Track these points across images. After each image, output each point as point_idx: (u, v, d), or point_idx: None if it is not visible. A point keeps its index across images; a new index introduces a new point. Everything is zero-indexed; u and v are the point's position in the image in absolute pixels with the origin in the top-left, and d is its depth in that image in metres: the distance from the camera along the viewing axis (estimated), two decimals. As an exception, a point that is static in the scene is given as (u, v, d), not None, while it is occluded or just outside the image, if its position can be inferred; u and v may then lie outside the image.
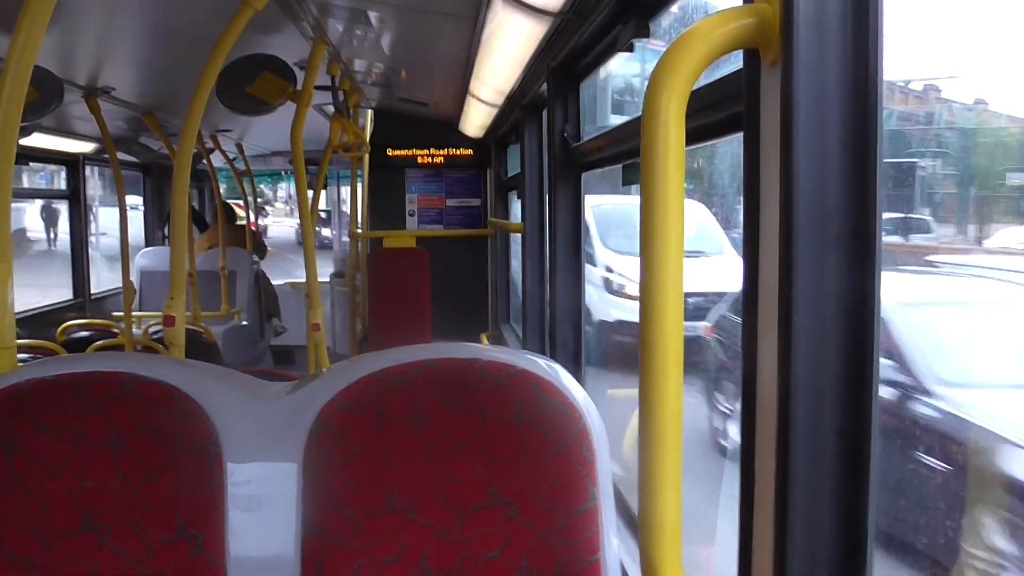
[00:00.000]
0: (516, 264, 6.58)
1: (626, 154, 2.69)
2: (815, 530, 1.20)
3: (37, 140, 5.78)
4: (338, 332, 7.74)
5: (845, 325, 1.16)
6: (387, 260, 6.90)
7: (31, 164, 7.09)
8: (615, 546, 1.75)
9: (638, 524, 1.24)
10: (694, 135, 1.32)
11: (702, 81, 1.19)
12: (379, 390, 1.73)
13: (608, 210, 9.11)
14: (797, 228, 1.14)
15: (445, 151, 7.44)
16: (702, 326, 6.26)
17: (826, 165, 1.14)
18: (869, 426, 1.17)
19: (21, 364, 2.01)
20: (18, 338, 2.15)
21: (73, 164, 7.10)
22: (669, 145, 1.13)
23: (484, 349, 1.79)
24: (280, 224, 29.32)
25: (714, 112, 1.61)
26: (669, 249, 1.14)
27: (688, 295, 1.18)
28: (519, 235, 4.94)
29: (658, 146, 1.14)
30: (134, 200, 8.32)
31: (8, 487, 1.69)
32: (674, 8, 2.31)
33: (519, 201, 5.38)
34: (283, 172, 11.05)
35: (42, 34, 1.91)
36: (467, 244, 7.40)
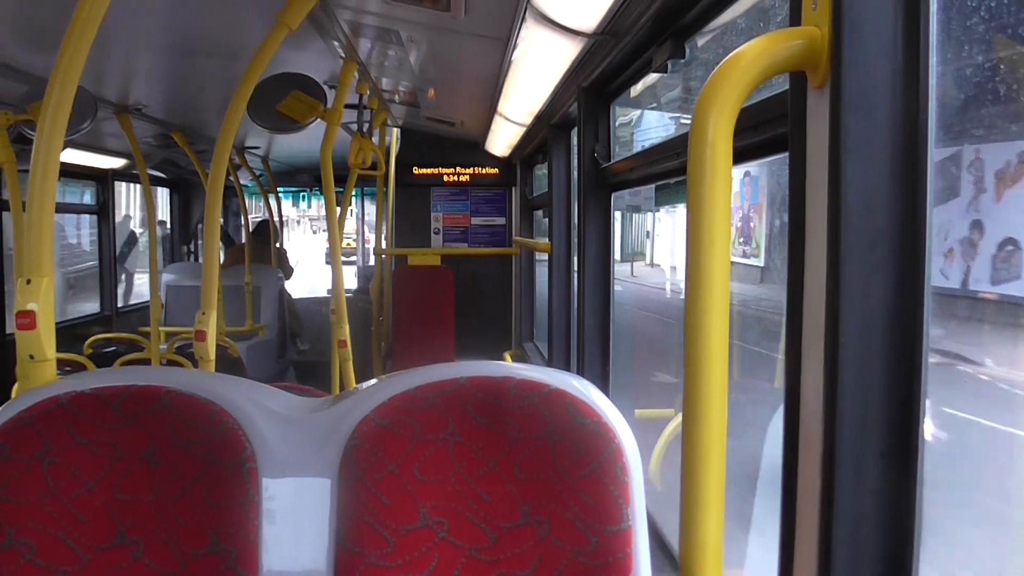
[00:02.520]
0: (541, 283, 6.57)
1: (659, 175, 2.69)
2: (859, 555, 1.19)
3: (67, 156, 5.84)
4: (360, 349, 7.75)
5: (892, 347, 1.16)
6: (411, 277, 6.92)
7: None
8: (648, 567, 1.73)
9: (679, 544, 1.24)
10: (738, 155, 1.32)
11: (749, 102, 1.19)
12: (413, 408, 1.72)
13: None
14: (845, 249, 1.14)
15: (471, 170, 7.47)
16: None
17: (875, 187, 1.14)
18: (916, 449, 1.16)
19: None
20: None
21: (102, 179, 7.17)
22: (717, 164, 1.13)
23: (517, 367, 1.79)
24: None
25: (757, 133, 1.61)
26: (715, 269, 1.14)
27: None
28: (544, 254, 4.94)
29: (706, 165, 1.14)
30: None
31: (44, 498, 1.70)
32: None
33: (545, 220, 5.38)
34: (308, 189, 11.10)
35: (86, 53, 1.93)
36: (491, 263, 7.41)
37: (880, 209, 1.14)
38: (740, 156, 1.66)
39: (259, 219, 8.97)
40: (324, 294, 9.27)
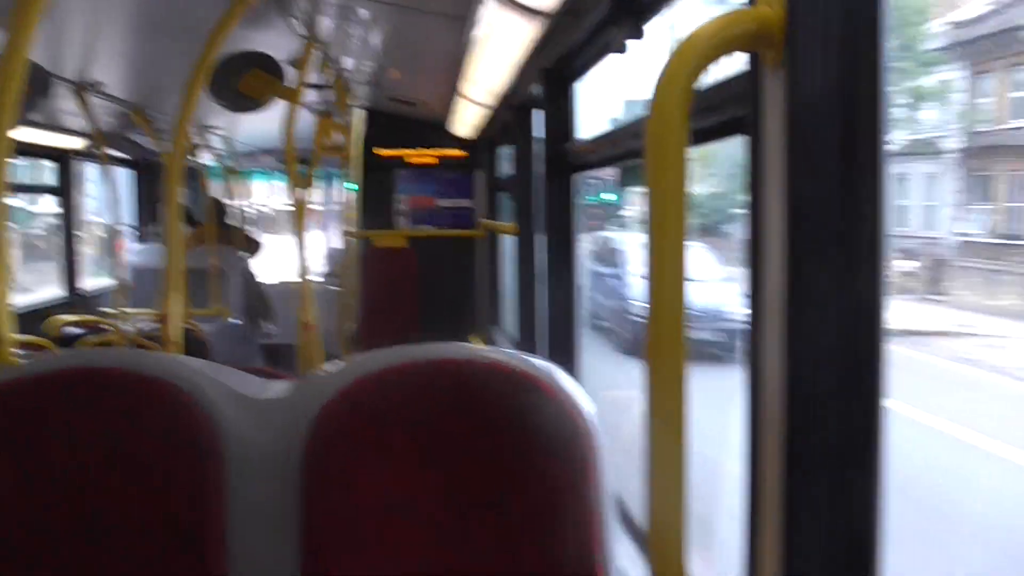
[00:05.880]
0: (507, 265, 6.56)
1: (620, 157, 2.68)
2: (822, 541, 1.19)
3: (25, 135, 5.74)
4: (326, 331, 7.71)
5: (849, 329, 1.15)
6: (377, 259, 6.89)
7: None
8: (615, 548, 1.73)
9: (646, 527, 1.23)
10: (697, 137, 1.31)
11: (707, 83, 1.18)
12: (379, 390, 1.71)
13: None
14: (801, 232, 1.13)
15: (436, 151, 7.43)
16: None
17: (830, 168, 1.13)
18: (877, 435, 1.16)
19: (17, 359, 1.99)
20: None
21: (62, 159, 7.06)
22: (673, 145, 1.12)
23: (483, 350, 1.78)
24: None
25: (715, 114, 1.60)
26: (672, 249, 1.14)
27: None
28: (509, 236, 4.93)
29: (661, 145, 1.13)
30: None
31: (4, 483, 1.67)
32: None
33: (510, 202, 5.37)
34: (272, 170, 10.99)
35: (35, 28, 1.89)
36: (457, 245, 7.39)
37: (836, 190, 1.13)
38: (701, 137, 1.65)
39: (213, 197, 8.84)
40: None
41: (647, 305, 1.17)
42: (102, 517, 1.68)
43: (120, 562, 1.67)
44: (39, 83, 3.97)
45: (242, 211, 9.03)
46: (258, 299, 8.44)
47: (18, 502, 1.67)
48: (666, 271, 1.14)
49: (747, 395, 1.30)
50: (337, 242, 7.90)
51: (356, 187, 7.16)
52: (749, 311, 1.29)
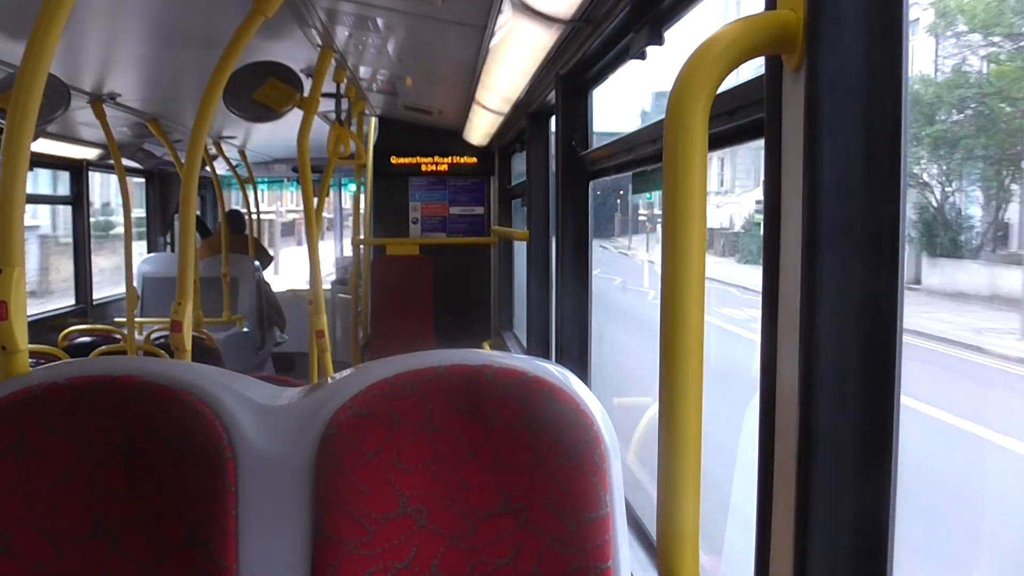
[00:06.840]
0: (520, 272, 6.58)
1: (636, 162, 2.69)
2: (835, 539, 1.19)
3: (41, 146, 5.78)
4: (339, 339, 7.74)
5: (868, 331, 1.16)
6: (390, 267, 6.91)
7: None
8: (626, 554, 1.74)
9: (656, 531, 1.24)
10: (715, 141, 1.32)
11: (721, 86, 1.19)
12: (391, 396, 1.72)
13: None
14: (820, 234, 1.14)
15: (449, 159, 7.45)
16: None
17: (850, 172, 1.13)
18: (892, 433, 1.17)
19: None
20: None
21: (76, 169, 7.11)
22: (693, 150, 1.13)
23: (495, 355, 1.78)
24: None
25: (733, 118, 1.61)
26: (692, 255, 1.14)
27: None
28: (522, 243, 4.94)
29: (681, 151, 1.13)
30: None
31: (18, 490, 1.69)
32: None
33: (523, 209, 5.38)
34: (285, 179, 11.03)
35: (56, 41, 1.91)
36: (470, 252, 7.40)
37: (855, 193, 1.14)
38: (717, 142, 1.66)
39: (233, 209, 8.90)
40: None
41: (663, 308, 1.18)
42: (115, 523, 1.69)
43: (133, 567, 1.68)
44: (57, 94, 3.99)
45: (256, 220, 9.07)
46: (270, 307, 8.48)
47: (33, 508, 1.68)
48: (686, 276, 1.15)
49: (761, 393, 1.30)
50: (349, 250, 7.92)
51: (369, 195, 7.19)
52: (766, 310, 1.29)
